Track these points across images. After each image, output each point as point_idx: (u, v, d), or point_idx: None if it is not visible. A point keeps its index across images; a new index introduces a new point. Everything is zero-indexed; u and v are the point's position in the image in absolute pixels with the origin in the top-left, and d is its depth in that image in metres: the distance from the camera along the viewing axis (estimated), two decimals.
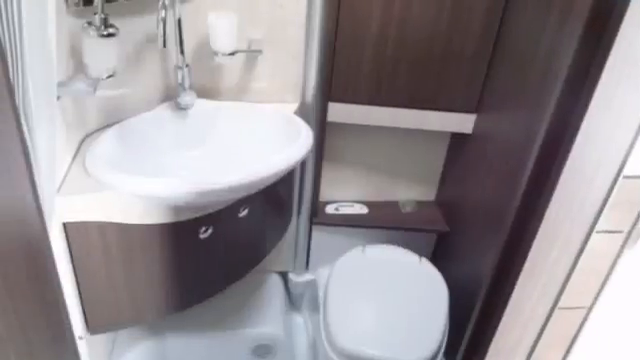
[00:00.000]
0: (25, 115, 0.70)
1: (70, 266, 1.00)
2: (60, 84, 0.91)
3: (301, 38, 1.30)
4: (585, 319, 1.23)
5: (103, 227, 0.98)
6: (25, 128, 0.70)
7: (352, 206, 1.73)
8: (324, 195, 1.71)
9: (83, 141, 1.10)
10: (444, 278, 1.49)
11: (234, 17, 1.18)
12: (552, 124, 1.04)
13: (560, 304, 1.20)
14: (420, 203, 1.77)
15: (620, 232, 1.09)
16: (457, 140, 1.60)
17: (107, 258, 1.02)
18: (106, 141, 1.07)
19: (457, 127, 1.50)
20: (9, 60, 0.65)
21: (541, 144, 1.07)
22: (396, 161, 1.70)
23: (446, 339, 1.34)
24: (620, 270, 1.14)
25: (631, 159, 0.99)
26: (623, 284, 1.17)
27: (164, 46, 1.03)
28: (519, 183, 1.14)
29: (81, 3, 0.96)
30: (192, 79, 1.21)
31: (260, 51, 1.30)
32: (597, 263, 1.14)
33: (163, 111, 1.24)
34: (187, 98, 1.22)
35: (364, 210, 1.72)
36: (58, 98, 0.88)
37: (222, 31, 1.19)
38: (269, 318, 1.60)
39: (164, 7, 1.01)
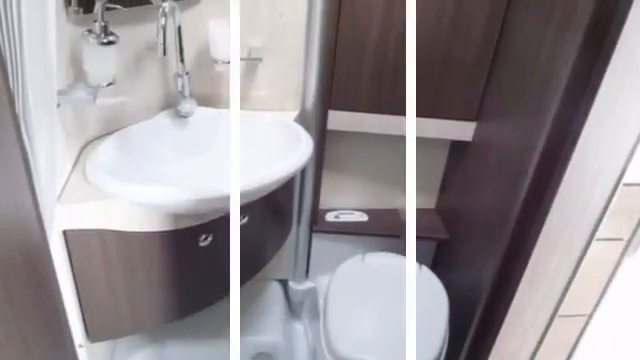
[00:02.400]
0: (25, 123, 0.70)
1: (70, 274, 1.00)
2: (60, 92, 0.91)
3: (301, 46, 1.30)
4: (585, 327, 1.23)
5: (103, 235, 0.97)
6: (25, 136, 0.70)
7: (352, 214, 1.73)
8: (324, 203, 1.71)
9: (83, 149, 1.10)
10: (444, 286, 1.49)
11: None
12: (552, 132, 1.04)
13: (560, 312, 1.19)
14: (420, 211, 1.76)
15: (620, 240, 1.09)
16: (457, 148, 1.60)
17: (107, 266, 1.02)
18: (106, 149, 1.07)
19: (457, 135, 1.50)
20: (9, 68, 0.65)
21: (541, 151, 1.07)
22: (396, 169, 1.69)
23: (446, 347, 1.34)
24: (620, 278, 1.14)
25: (631, 167, 0.99)
26: (623, 292, 1.16)
27: (164, 54, 1.04)
28: (519, 190, 1.13)
29: (81, 11, 0.96)
30: (192, 87, 1.22)
31: (260, 59, 1.31)
32: (597, 271, 1.14)
33: (163, 119, 1.24)
34: (187, 106, 1.22)
35: (364, 218, 1.71)
36: (58, 106, 0.88)
37: (222, 39, 1.19)
38: (269, 326, 1.59)
39: (164, 15, 1.01)
